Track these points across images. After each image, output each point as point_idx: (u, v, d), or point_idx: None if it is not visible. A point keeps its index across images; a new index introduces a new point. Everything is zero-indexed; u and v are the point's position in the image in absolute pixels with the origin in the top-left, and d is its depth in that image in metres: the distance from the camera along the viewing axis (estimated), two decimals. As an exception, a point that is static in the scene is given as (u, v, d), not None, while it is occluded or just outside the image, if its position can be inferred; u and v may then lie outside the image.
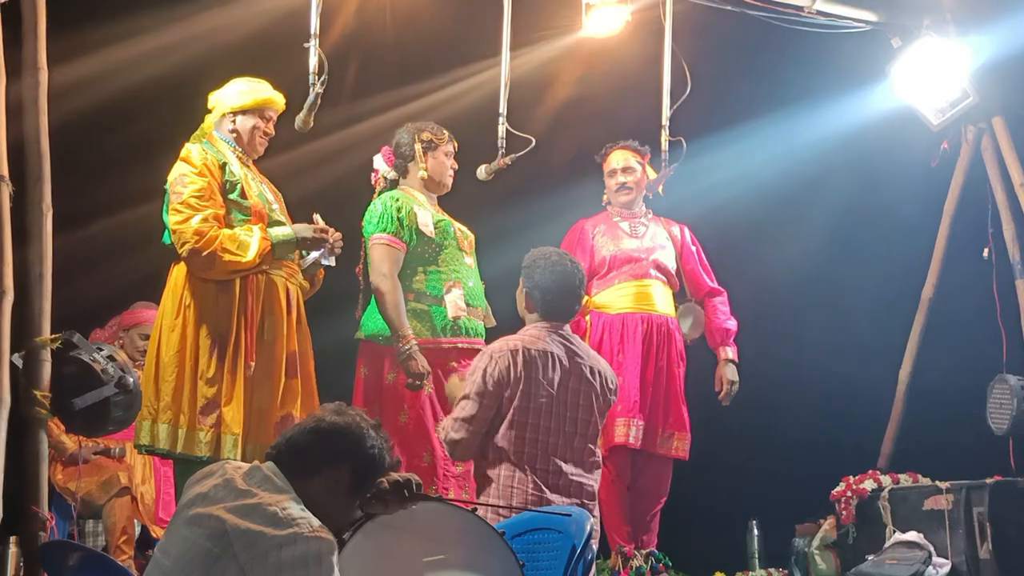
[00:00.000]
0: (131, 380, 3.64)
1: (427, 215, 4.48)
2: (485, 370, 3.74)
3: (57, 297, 3.78)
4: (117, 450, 5.31)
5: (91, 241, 5.45)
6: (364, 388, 4.41)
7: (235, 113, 4.11)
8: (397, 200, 4.48)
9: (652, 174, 5.19)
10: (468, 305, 4.42)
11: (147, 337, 5.47)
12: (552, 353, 3.79)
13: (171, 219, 3.91)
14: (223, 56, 4.47)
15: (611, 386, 3.93)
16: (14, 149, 3.75)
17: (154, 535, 5.36)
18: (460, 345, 4.41)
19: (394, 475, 2.76)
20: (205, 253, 3.85)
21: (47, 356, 3.65)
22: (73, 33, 4.62)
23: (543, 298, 3.89)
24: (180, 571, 2.51)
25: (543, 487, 3.67)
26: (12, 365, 3.56)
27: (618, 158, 5.15)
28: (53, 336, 3.66)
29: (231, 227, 3.95)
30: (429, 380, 4.30)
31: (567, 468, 3.74)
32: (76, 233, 5.23)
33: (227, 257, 3.87)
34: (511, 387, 3.72)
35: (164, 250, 4.06)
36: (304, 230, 4.08)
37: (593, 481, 3.82)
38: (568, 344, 3.86)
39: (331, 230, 4.13)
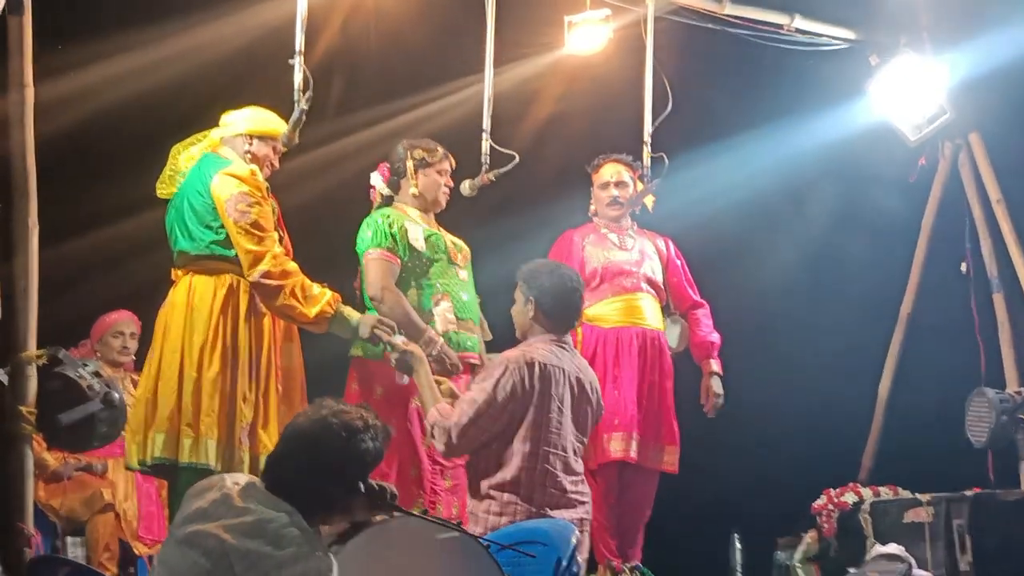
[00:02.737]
0: (117, 396, 3.65)
1: (418, 230, 4.51)
2: (498, 381, 3.72)
3: (41, 312, 3.77)
4: (100, 466, 5.31)
5: (75, 256, 5.44)
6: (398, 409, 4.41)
7: (252, 136, 4.11)
8: (388, 216, 4.50)
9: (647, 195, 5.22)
10: (459, 318, 4.43)
11: (120, 334, 5.52)
12: (564, 369, 3.80)
13: (242, 238, 3.88)
14: (208, 73, 4.49)
15: (599, 399, 3.97)
16: (-1, 165, 3.76)
17: (137, 552, 5.35)
18: None
19: (372, 483, 2.75)
20: (277, 283, 3.87)
21: (32, 372, 3.64)
22: (58, 50, 4.64)
23: (552, 306, 3.89)
24: None
25: (545, 507, 3.67)
26: (-2, 381, 3.57)
27: (610, 171, 5.16)
28: (38, 352, 3.66)
29: None
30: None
31: (569, 486, 3.76)
32: (60, 248, 5.23)
33: (292, 302, 3.89)
34: (522, 401, 3.71)
35: (148, 263, 4.05)
36: (367, 325, 4.01)
37: (587, 496, 3.85)
38: (572, 358, 3.88)
39: (394, 325, 4.06)
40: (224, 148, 4.10)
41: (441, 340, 4.29)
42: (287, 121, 4.16)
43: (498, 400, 3.69)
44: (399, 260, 4.44)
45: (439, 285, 4.49)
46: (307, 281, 3.94)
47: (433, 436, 3.80)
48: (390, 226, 4.46)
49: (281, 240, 4.06)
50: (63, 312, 5.45)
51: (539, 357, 3.78)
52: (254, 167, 4.03)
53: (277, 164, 4.22)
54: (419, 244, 4.46)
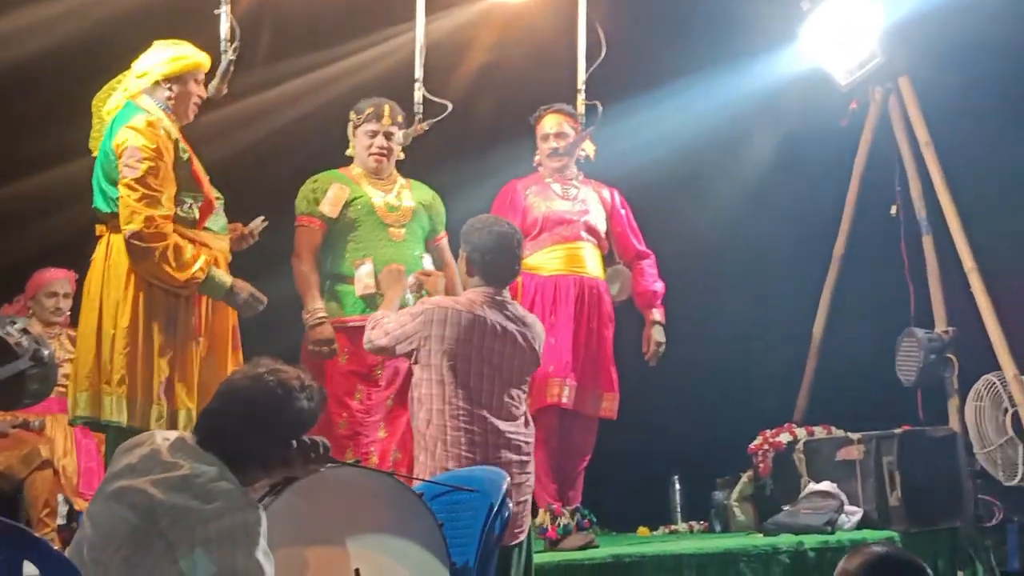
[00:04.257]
0: (46, 352, 3.60)
1: (341, 192, 4.54)
2: (412, 312, 3.89)
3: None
4: (37, 423, 5.26)
5: (4, 208, 5.36)
6: (317, 370, 4.46)
7: (168, 80, 4.03)
8: (316, 181, 4.63)
9: (587, 143, 5.23)
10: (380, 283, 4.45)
11: (54, 294, 5.46)
12: (486, 319, 3.85)
13: (124, 192, 3.84)
14: (134, 21, 4.40)
15: (538, 347, 4.02)
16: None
17: (77, 508, 5.33)
18: None
19: (304, 438, 2.76)
20: (146, 246, 3.83)
21: (-40, 331, 3.60)
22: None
23: (483, 260, 3.95)
24: (106, 546, 2.51)
25: (476, 449, 3.75)
26: (-76, 341, 3.52)
27: (551, 122, 5.16)
28: (-35, 311, 3.62)
29: (180, 205, 3.93)
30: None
31: (504, 426, 3.83)
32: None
33: (163, 265, 3.85)
34: (430, 340, 3.79)
35: (77, 215, 4.01)
36: (242, 291, 4.02)
37: (529, 438, 3.92)
38: (504, 310, 3.93)
39: (264, 300, 4.09)
40: (143, 97, 4.03)
41: (320, 318, 4.45)
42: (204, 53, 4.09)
43: (406, 330, 3.85)
44: (321, 224, 4.57)
45: (362, 248, 4.53)
46: (181, 243, 3.90)
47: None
48: (313, 191, 4.60)
49: (195, 191, 3.98)
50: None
51: (455, 305, 3.87)
52: (152, 117, 3.94)
53: (204, 93, 4.14)
54: (327, 209, 4.54)
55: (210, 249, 4.02)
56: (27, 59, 5.03)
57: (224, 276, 4.00)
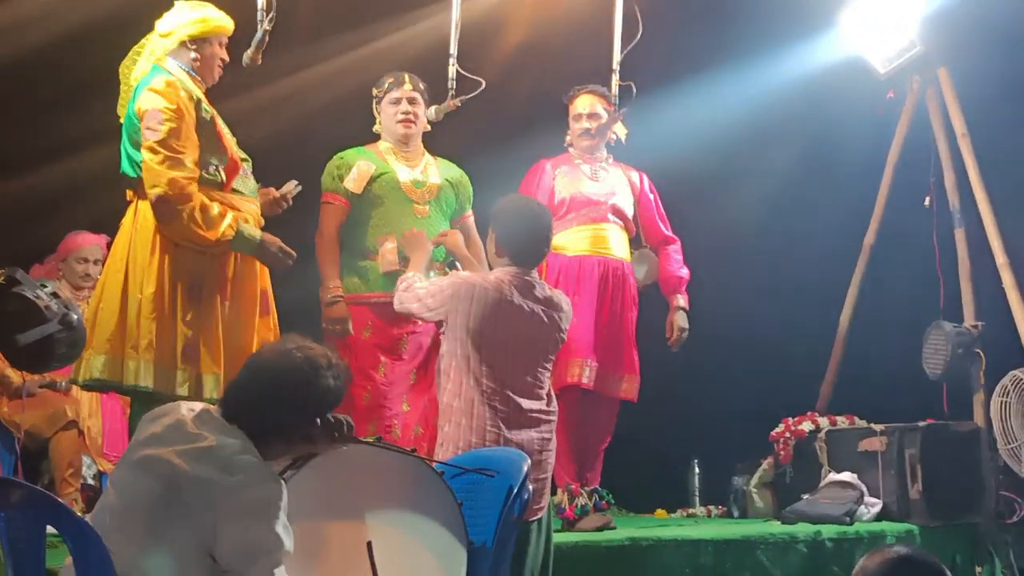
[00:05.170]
0: (75, 317, 3.64)
1: (366, 168, 4.56)
2: (442, 284, 3.92)
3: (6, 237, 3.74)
4: (63, 383, 5.31)
5: (31, 185, 5.40)
6: (339, 343, 4.49)
7: (194, 40, 4.01)
8: (342, 158, 4.65)
9: (618, 125, 5.21)
10: (404, 259, 4.45)
11: (84, 260, 5.51)
12: (512, 299, 3.85)
13: (146, 155, 3.83)
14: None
15: (564, 326, 4.03)
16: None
17: (101, 468, 5.40)
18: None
19: (328, 416, 2.77)
20: (172, 208, 3.82)
21: (-11, 292, 3.63)
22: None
23: (512, 241, 3.95)
24: (130, 514, 2.55)
25: (500, 424, 3.77)
26: (-45, 301, 3.55)
27: (584, 103, 5.15)
28: (-5, 271, 3.65)
29: (205, 168, 3.92)
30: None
31: (527, 404, 3.85)
32: (14, 180, 5.21)
33: (192, 225, 3.84)
34: (457, 315, 3.81)
35: (108, 192, 4.03)
36: (272, 244, 4.02)
37: (551, 416, 3.94)
38: (532, 290, 3.93)
39: (294, 254, 4.09)
40: (168, 60, 4.01)
41: (337, 295, 4.50)
42: (239, 46, 4.09)
43: (440, 289, 3.89)
44: (346, 201, 4.59)
45: (386, 223, 4.54)
46: (207, 202, 3.88)
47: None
48: (338, 167, 4.62)
49: (220, 152, 3.97)
50: (34, 236, 5.45)
51: (483, 282, 3.87)
52: (172, 78, 3.92)
53: (227, 56, 4.12)
54: (351, 185, 4.56)
55: (239, 211, 4.01)
56: (49, 41, 5.03)
57: (253, 230, 4.00)
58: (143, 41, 4.08)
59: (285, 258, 4.06)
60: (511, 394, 3.82)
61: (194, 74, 4.04)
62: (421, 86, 4.72)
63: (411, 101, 4.68)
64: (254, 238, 3.98)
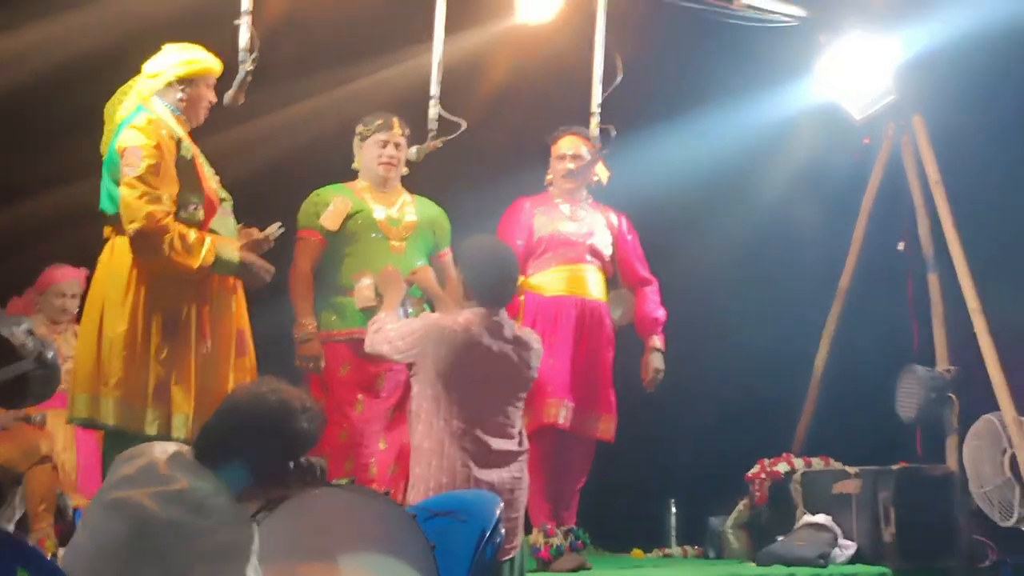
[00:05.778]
0: (50, 355, 3.62)
1: (343, 204, 4.60)
2: (412, 327, 3.96)
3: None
4: (38, 418, 5.28)
5: (14, 217, 5.40)
6: (316, 380, 4.56)
7: (181, 81, 4.05)
8: (318, 194, 4.68)
9: (600, 167, 5.25)
10: (380, 295, 4.48)
11: (62, 295, 5.49)
12: (481, 341, 3.89)
13: (124, 191, 3.86)
14: (153, 32, 4.42)
15: (534, 365, 4.05)
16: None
17: (74, 503, 5.36)
18: None
19: (302, 459, 2.77)
20: (151, 242, 3.84)
21: (-36, 330, 3.62)
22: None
23: (479, 283, 3.99)
24: (101, 556, 2.54)
25: (471, 464, 3.80)
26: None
27: (569, 144, 5.19)
28: (-29, 309, 3.65)
29: (184, 207, 3.94)
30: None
31: (497, 444, 3.88)
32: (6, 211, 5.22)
33: (172, 256, 3.86)
34: (426, 357, 3.85)
35: (91, 227, 4.04)
36: (252, 262, 4.05)
37: (522, 455, 3.97)
38: (500, 331, 3.96)
39: (272, 269, 4.11)
40: (154, 100, 4.04)
41: (310, 332, 4.53)
42: (223, 85, 4.13)
43: (410, 331, 3.94)
44: (321, 237, 4.62)
45: (362, 260, 4.57)
46: (184, 230, 3.90)
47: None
48: (314, 204, 4.66)
49: (199, 191, 3.99)
50: (13, 268, 5.44)
51: (453, 324, 3.91)
52: (154, 116, 3.96)
53: (214, 98, 4.16)
54: (327, 222, 4.60)
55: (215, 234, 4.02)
56: (42, 75, 5.06)
57: (232, 252, 4.01)
58: (130, 82, 4.11)
59: (266, 274, 4.09)
60: (481, 434, 3.85)
61: (179, 114, 4.08)
62: (407, 131, 4.76)
63: (396, 146, 4.72)
64: (233, 259, 4.01)
